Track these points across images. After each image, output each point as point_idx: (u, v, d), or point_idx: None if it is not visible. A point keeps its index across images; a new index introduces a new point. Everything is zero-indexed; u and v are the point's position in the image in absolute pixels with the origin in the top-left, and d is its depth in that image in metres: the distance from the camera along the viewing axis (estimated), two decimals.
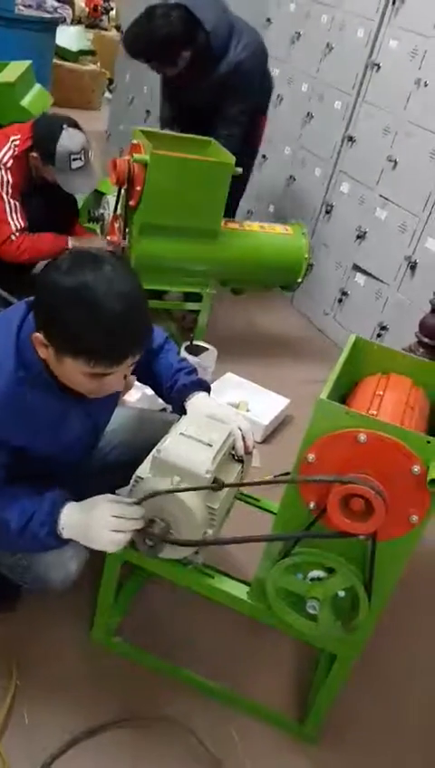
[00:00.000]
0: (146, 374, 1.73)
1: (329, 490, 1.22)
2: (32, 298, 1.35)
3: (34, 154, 2.68)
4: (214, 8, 2.89)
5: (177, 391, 1.70)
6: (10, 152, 2.66)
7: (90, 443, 1.64)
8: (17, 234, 2.68)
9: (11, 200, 2.67)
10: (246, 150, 3.25)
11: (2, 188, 2.65)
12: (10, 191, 2.67)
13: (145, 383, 1.79)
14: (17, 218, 2.68)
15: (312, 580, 1.38)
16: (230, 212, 3.00)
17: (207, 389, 1.72)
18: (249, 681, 1.75)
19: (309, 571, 1.38)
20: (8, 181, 2.66)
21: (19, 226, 2.68)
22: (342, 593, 1.38)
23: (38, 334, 1.30)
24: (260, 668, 1.81)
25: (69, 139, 2.64)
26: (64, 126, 2.66)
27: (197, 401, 1.67)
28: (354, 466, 1.23)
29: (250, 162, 3.34)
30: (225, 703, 1.68)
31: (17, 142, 2.69)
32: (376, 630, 1.44)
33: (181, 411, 1.72)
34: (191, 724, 1.60)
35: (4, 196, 2.65)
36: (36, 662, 1.66)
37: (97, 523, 1.35)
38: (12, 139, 2.69)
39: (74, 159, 2.66)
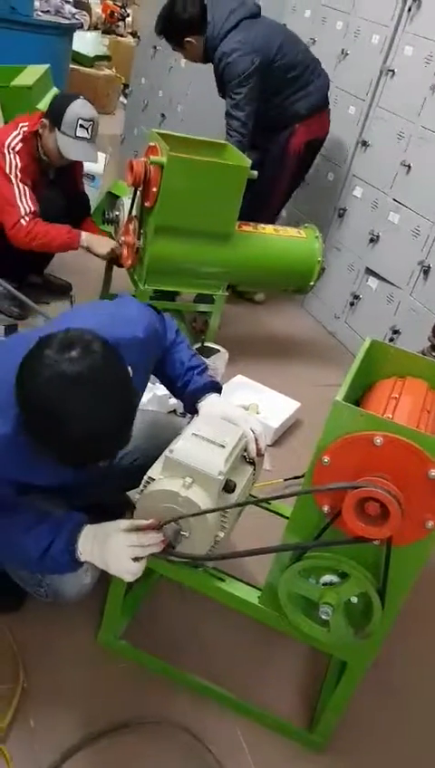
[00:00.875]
0: (158, 370, 1.72)
1: (344, 493, 1.20)
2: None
3: (45, 120, 2.71)
4: (230, 6, 3.08)
5: (190, 393, 1.70)
6: (19, 136, 2.69)
7: (97, 475, 1.60)
8: (27, 217, 2.67)
9: (20, 183, 2.68)
10: (278, 158, 3.30)
11: (10, 171, 2.66)
12: (19, 175, 2.68)
13: (157, 377, 1.78)
14: (27, 202, 2.69)
15: (324, 584, 1.36)
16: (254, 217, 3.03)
17: (219, 390, 1.72)
18: (258, 687, 1.73)
19: (321, 576, 1.36)
20: (17, 165, 2.68)
21: (29, 209, 2.68)
22: (354, 599, 1.36)
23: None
24: (269, 674, 1.79)
25: (80, 107, 2.70)
26: (80, 96, 2.74)
27: (210, 403, 1.67)
28: (370, 470, 1.21)
29: (282, 170, 3.36)
30: (233, 709, 1.66)
31: (26, 128, 2.72)
32: (387, 636, 1.42)
33: (193, 411, 1.71)
34: (199, 731, 1.58)
35: (13, 179, 2.67)
36: (43, 664, 1.65)
37: (114, 555, 1.35)
38: (21, 125, 2.74)
39: (81, 126, 2.69)
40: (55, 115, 2.69)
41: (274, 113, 3.23)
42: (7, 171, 2.67)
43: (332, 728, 1.59)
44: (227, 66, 3.07)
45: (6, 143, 2.68)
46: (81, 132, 2.70)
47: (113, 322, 1.44)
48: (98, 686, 1.64)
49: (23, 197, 2.68)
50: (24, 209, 2.67)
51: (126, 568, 1.36)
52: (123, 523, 1.38)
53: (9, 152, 2.67)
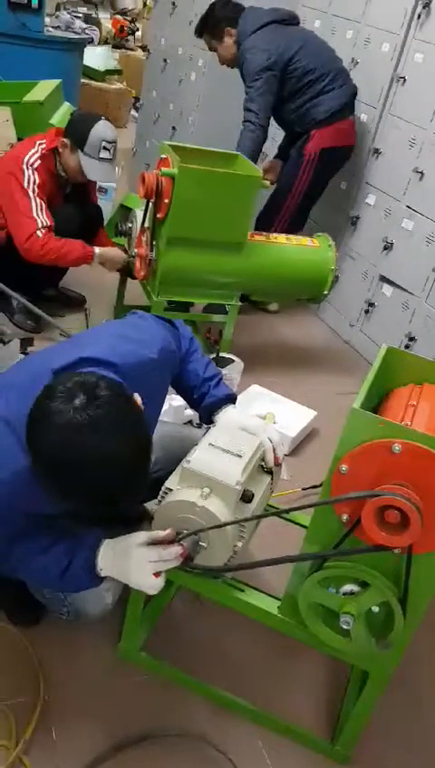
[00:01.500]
0: (174, 381, 1.72)
1: (363, 502, 1.20)
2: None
3: (65, 140, 2.75)
4: (266, 10, 3.28)
5: (207, 405, 1.69)
6: (37, 154, 2.74)
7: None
8: (42, 231, 2.70)
9: (37, 198, 2.71)
10: (293, 162, 3.35)
11: (28, 186, 2.70)
12: (36, 190, 2.72)
13: (174, 388, 1.77)
14: (43, 216, 2.72)
15: (345, 594, 1.35)
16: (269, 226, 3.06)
17: (234, 400, 1.72)
18: (279, 697, 1.72)
19: (342, 585, 1.35)
20: (35, 180, 2.72)
21: (45, 223, 2.71)
22: (376, 608, 1.35)
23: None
24: (289, 684, 1.78)
25: (104, 129, 2.76)
26: (102, 117, 2.79)
27: (226, 416, 1.67)
28: (389, 477, 1.20)
29: (296, 175, 3.38)
30: (254, 720, 1.65)
31: (43, 145, 2.76)
32: (409, 645, 1.40)
33: (209, 423, 1.71)
34: (221, 742, 1.57)
35: (31, 194, 2.70)
36: (63, 677, 1.65)
37: (136, 571, 1.34)
38: (38, 142, 2.78)
39: (104, 148, 2.74)
40: (78, 137, 2.73)
41: (291, 117, 3.31)
42: (25, 186, 2.70)
43: (355, 739, 1.57)
44: (245, 62, 3.19)
45: (25, 160, 2.72)
46: (104, 154, 2.75)
47: (125, 345, 1.43)
48: (119, 698, 1.64)
49: (39, 211, 2.71)
50: (41, 222, 2.70)
51: (149, 583, 1.35)
52: (141, 535, 1.37)
53: (28, 168, 2.71)
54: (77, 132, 2.74)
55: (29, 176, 2.70)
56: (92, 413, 1.12)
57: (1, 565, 1.44)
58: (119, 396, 1.17)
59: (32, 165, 2.71)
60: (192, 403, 1.75)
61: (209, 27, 3.34)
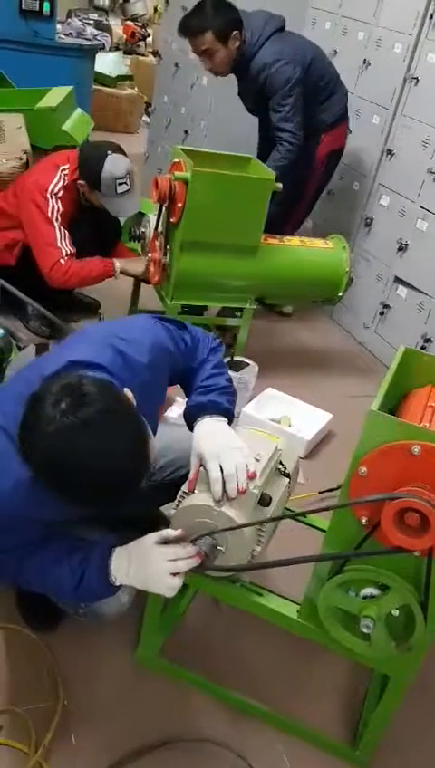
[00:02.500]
0: (183, 385, 1.68)
1: (382, 504, 1.19)
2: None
3: (82, 182, 2.74)
4: (263, 17, 3.10)
5: (185, 411, 1.57)
6: (60, 182, 2.73)
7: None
8: (65, 259, 2.72)
9: (61, 227, 2.73)
10: (305, 168, 3.29)
11: (52, 215, 2.71)
12: (60, 219, 2.73)
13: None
14: (67, 244, 2.74)
15: (364, 597, 1.34)
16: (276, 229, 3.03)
17: (224, 412, 1.53)
18: (298, 702, 1.71)
19: (361, 589, 1.34)
20: (58, 209, 2.72)
21: (69, 252, 2.73)
22: (396, 612, 1.33)
23: None
24: (309, 689, 1.76)
25: (113, 165, 2.70)
26: (109, 153, 2.72)
27: (200, 425, 1.50)
28: (408, 479, 1.19)
29: (308, 180, 3.38)
30: (274, 725, 1.64)
31: (66, 172, 2.75)
32: (430, 648, 1.39)
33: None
34: (241, 748, 1.57)
35: (55, 223, 2.71)
36: (82, 682, 1.65)
37: (153, 573, 1.33)
38: (61, 168, 2.76)
39: (120, 184, 2.72)
40: (92, 179, 2.71)
41: (304, 123, 3.23)
42: (49, 215, 2.71)
43: (376, 744, 1.56)
44: (269, 77, 3.04)
45: (49, 189, 2.71)
46: (121, 189, 2.72)
47: (114, 345, 1.41)
48: (138, 702, 1.63)
49: (63, 240, 2.73)
50: (65, 251, 2.72)
51: (167, 584, 1.33)
52: (152, 536, 1.36)
53: (51, 197, 2.71)
54: (90, 174, 2.72)
55: (52, 204, 2.71)
56: (81, 413, 1.12)
57: (16, 579, 1.45)
58: (105, 391, 1.17)
59: (56, 194, 2.71)
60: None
61: (216, 29, 2.99)
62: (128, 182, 2.74)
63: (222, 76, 3.23)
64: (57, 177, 2.74)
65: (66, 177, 2.75)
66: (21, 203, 2.80)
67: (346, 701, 1.75)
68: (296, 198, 3.37)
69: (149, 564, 1.33)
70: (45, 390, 1.16)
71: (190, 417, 1.53)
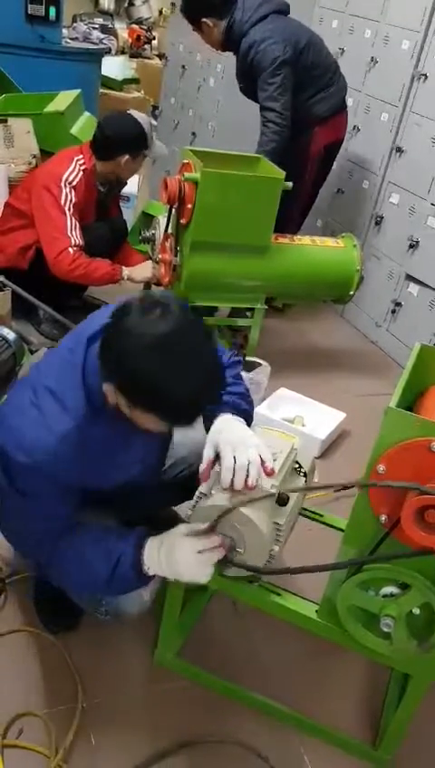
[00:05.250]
0: None
1: (402, 501, 1.18)
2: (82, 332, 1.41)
3: (126, 157, 2.78)
4: (258, 2, 3.08)
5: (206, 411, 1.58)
6: (75, 172, 2.75)
7: (155, 464, 1.64)
8: (74, 248, 2.71)
9: (72, 217, 2.73)
10: (299, 162, 3.26)
11: (65, 204, 2.71)
12: (72, 209, 2.73)
13: None
14: (76, 234, 2.73)
15: (384, 596, 1.33)
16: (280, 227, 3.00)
17: (243, 413, 1.53)
18: (319, 703, 1.70)
19: (381, 588, 1.33)
20: (71, 199, 2.73)
21: (77, 242, 2.73)
22: (416, 610, 1.32)
23: (107, 385, 1.28)
24: (329, 689, 1.75)
25: (141, 120, 2.81)
26: (128, 113, 2.84)
27: (221, 421, 1.48)
28: (428, 477, 1.18)
29: (303, 175, 3.32)
30: (294, 726, 1.63)
31: (82, 162, 2.77)
32: None
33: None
34: (262, 748, 1.56)
35: (67, 212, 2.72)
36: (101, 683, 1.64)
37: (186, 562, 1.33)
38: (76, 159, 2.78)
39: (153, 131, 2.82)
40: (139, 145, 2.80)
41: (294, 114, 3.18)
42: (62, 203, 2.72)
43: (397, 743, 1.55)
44: (257, 54, 3.02)
45: (64, 177, 2.72)
46: (154, 135, 2.88)
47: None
48: (157, 704, 1.63)
49: (73, 230, 2.73)
50: (73, 241, 2.72)
51: (202, 572, 1.34)
52: (182, 528, 1.37)
53: (66, 186, 2.72)
54: (136, 142, 2.79)
55: (66, 194, 2.72)
56: (171, 324, 1.18)
57: (50, 559, 1.43)
58: (188, 310, 1.25)
59: (70, 183, 2.72)
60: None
61: (189, 17, 3.15)
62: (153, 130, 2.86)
63: (221, 51, 3.32)
64: (72, 167, 2.76)
65: (82, 168, 2.76)
66: (33, 193, 2.80)
67: (366, 700, 1.74)
68: (293, 192, 3.34)
69: (181, 555, 1.33)
70: (131, 303, 1.22)
71: (210, 415, 1.50)
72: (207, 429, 1.54)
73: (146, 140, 2.79)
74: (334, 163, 3.57)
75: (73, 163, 2.76)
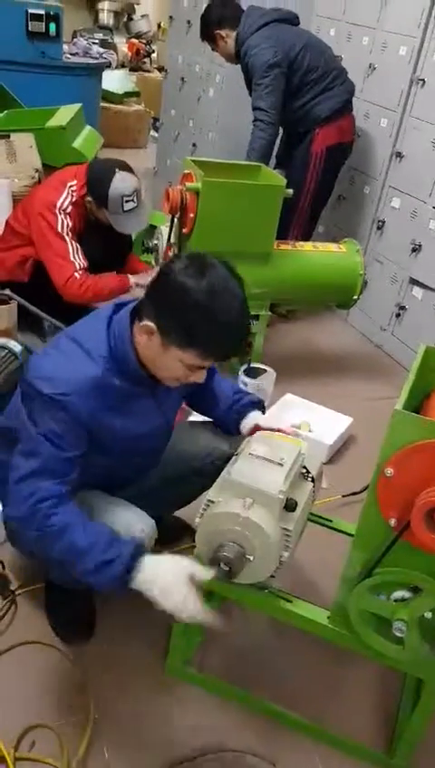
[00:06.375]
0: (200, 395, 1.76)
1: (412, 504, 1.17)
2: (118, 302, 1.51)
3: (89, 199, 2.75)
4: (263, 10, 3.30)
5: (237, 408, 1.74)
6: (69, 198, 2.75)
7: (159, 445, 1.67)
8: (80, 272, 2.73)
9: (72, 242, 2.74)
10: (301, 164, 3.33)
11: (62, 230, 2.73)
12: (70, 234, 2.74)
13: (195, 404, 1.82)
14: (79, 258, 2.75)
15: (396, 600, 1.32)
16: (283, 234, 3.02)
17: (262, 408, 1.78)
18: (331, 709, 1.68)
19: (393, 592, 1.32)
20: (68, 224, 2.74)
21: (82, 265, 2.75)
22: (429, 614, 1.31)
23: (148, 323, 1.38)
24: (342, 696, 1.74)
25: (121, 183, 2.72)
26: (116, 170, 2.73)
27: (253, 419, 1.72)
28: None
29: (305, 175, 3.37)
30: (309, 735, 1.62)
31: (74, 188, 2.77)
32: None
33: (236, 429, 1.72)
34: (276, 758, 1.55)
35: (66, 237, 2.73)
36: (113, 695, 1.63)
37: (181, 603, 1.30)
38: (69, 185, 2.77)
39: (126, 201, 2.73)
40: (99, 196, 2.73)
41: (295, 117, 3.30)
42: (59, 230, 2.73)
43: (413, 750, 1.53)
44: (250, 59, 3.19)
45: (58, 205, 2.73)
46: (127, 206, 2.74)
47: None
48: (169, 714, 1.62)
49: (75, 254, 2.75)
50: (78, 264, 2.74)
51: (193, 612, 1.31)
52: (187, 565, 1.34)
53: (60, 213, 2.73)
54: (97, 192, 2.73)
55: (62, 220, 2.72)
56: (218, 272, 1.36)
57: (37, 538, 1.36)
58: (234, 269, 1.42)
59: (64, 210, 2.73)
60: (221, 413, 1.76)
61: (203, 32, 3.38)
62: (135, 199, 2.75)
63: (236, 63, 3.41)
64: (65, 194, 2.75)
65: (74, 194, 2.76)
66: (30, 220, 2.82)
67: (379, 706, 1.72)
68: (295, 198, 3.36)
69: (177, 593, 1.30)
70: (179, 256, 1.41)
71: (243, 409, 1.73)
72: (235, 425, 1.73)
73: (105, 200, 2.71)
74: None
75: (66, 189, 2.76)
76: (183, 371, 1.43)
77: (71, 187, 2.78)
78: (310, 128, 3.30)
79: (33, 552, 1.56)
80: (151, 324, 1.38)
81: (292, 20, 3.32)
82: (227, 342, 1.42)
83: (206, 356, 1.40)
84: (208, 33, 3.35)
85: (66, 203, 2.75)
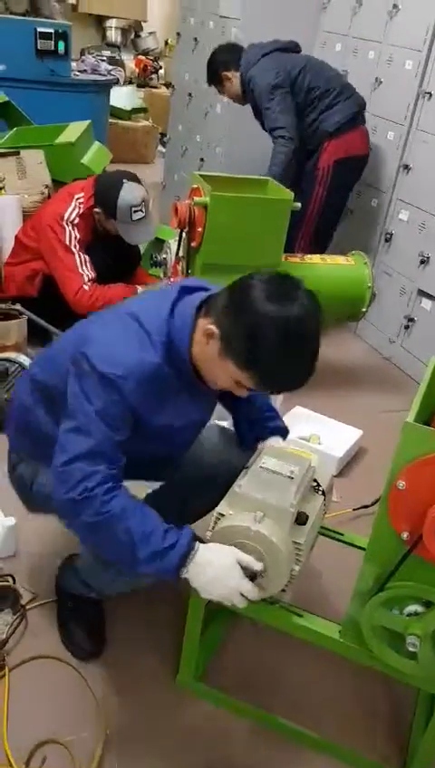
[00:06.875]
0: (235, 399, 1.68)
1: (424, 517, 1.16)
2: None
3: (98, 209, 2.78)
4: (262, 44, 3.36)
5: (260, 429, 1.70)
6: (76, 210, 2.78)
7: (189, 439, 1.65)
8: (89, 284, 2.76)
9: (79, 253, 2.77)
10: (310, 178, 3.37)
11: (70, 242, 2.75)
12: (78, 245, 2.77)
13: (222, 399, 1.73)
14: (88, 269, 2.78)
15: (409, 615, 1.31)
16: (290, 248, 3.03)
17: (285, 435, 1.74)
18: (345, 726, 1.67)
19: (405, 606, 1.31)
20: (76, 236, 2.77)
21: (90, 276, 2.77)
22: None
23: (212, 328, 1.34)
24: (354, 713, 1.72)
25: (129, 193, 2.74)
26: (124, 180, 2.77)
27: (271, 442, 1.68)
28: None
29: (313, 188, 3.40)
30: (319, 751, 1.60)
31: (81, 200, 2.80)
32: None
33: (250, 444, 1.70)
34: None
35: (73, 249, 2.76)
36: (124, 710, 1.62)
37: (226, 587, 1.34)
38: (76, 197, 2.81)
39: (135, 212, 2.76)
40: (108, 206, 2.76)
41: (304, 135, 3.33)
42: (67, 242, 2.76)
43: (427, 767, 1.51)
44: (254, 87, 3.27)
45: (65, 217, 2.76)
46: (136, 216, 2.77)
47: None
48: (181, 729, 1.61)
49: (83, 265, 2.78)
50: (87, 276, 2.77)
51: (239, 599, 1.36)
52: (235, 553, 1.35)
53: (68, 225, 2.76)
54: (106, 202, 2.76)
55: (69, 232, 2.76)
56: (305, 308, 1.31)
57: (101, 514, 1.31)
58: (316, 301, 1.36)
59: (72, 221, 2.76)
60: (243, 426, 1.74)
61: (210, 76, 3.49)
62: (143, 209, 2.78)
63: (243, 104, 3.51)
64: (72, 206, 2.79)
65: (81, 206, 2.79)
66: (39, 234, 2.85)
67: (393, 722, 1.70)
68: (302, 210, 3.37)
69: (228, 579, 1.33)
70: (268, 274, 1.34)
71: (266, 432, 1.69)
72: (252, 442, 1.70)
73: (114, 211, 2.75)
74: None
75: (73, 201, 2.80)
76: (230, 384, 1.40)
77: (78, 199, 2.81)
78: (319, 144, 3.34)
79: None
80: (216, 330, 1.33)
81: (292, 48, 3.40)
82: (287, 383, 1.39)
83: (260, 387, 1.37)
84: (215, 76, 3.46)
85: (73, 215, 2.78)
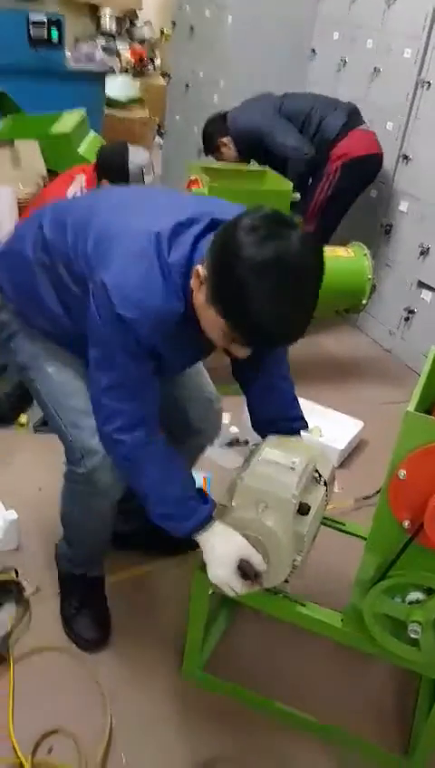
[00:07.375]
0: (253, 378, 1.69)
1: (426, 505, 1.17)
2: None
3: (106, 182, 2.77)
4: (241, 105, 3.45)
5: (277, 429, 1.64)
6: (79, 190, 2.78)
7: (186, 364, 1.66)
8: None
9: None
10: (318, 182, 3.36)
11: None
12: None
13: (242, 381, 1.68)
14: None
15: (411, 602, 1.32)
16: None
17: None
18: (348, 713, 1.68)
19: (407, 593, 1.32)
20: None
21: None
22: None
23: (201, 269, 1.22)
24: (357, 699, 1.74)
25: (137, 156, 2.78)
26: (128, 145, 2.80)
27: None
28: None
29: (317, 191, 3.38)
30: (326, 739, 1.62)
31: (83, 181, 2.80)
32: None
33: (261, 434, 1.68)
34: (293, 762, 1.54)
35: None
36: (130, 700, 1.64)
37: (226, 573, 1.39)
38: (78, 176, 2.82)
39: (146, 174, 2.77)
40: (117, 173, 2.76)
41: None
42: None
43: (429, 753, 1.53)
44: (246, 129, 3.29)
45: (68, 196, 2.76)
46: (148, 178, 2.80)
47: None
48: (186, 718, 1.62)
49: None
50: None
51: (229, 582, 1.40)
52: (242, 545, 1.38)
53: None
54: (114, 170, 2.76)
55: None
56: (277, 248, 1.14)
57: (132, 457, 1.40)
58: (308, 240, 1.20)
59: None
60: (263, 416, 1.69)
61: (206, 146, 3.51)
62: (151, 171, 2.81)
63: (244, 162, 3.47)
64: (75, 186, 2.79)
65: (84, 185, 2.80)
66: None
67: (396, 709, 1.72)
68: (302, 204, 3.36)
69: (226, 563, 1.38)
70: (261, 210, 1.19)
71: (293, 425, 1.67)
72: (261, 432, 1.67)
73: (125, 174, 2.75)
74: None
75: (75, 182, 2.81)
76: (222, 338, 1.27)
77: (80, 178, 2.82)
78: (326, 154, 3.30)
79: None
80: (204, 271, 1.22)
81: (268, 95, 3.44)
82: (274, 336, 1.21)
83: (248, 343, 1.25)
84: (210, 144, 3.47)
85: (77, 194, 2.78)
